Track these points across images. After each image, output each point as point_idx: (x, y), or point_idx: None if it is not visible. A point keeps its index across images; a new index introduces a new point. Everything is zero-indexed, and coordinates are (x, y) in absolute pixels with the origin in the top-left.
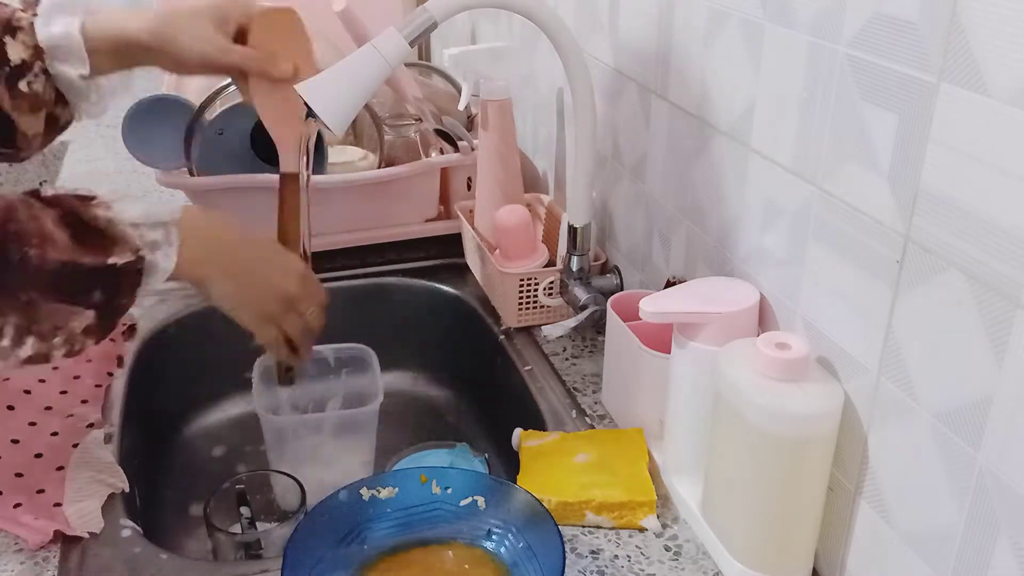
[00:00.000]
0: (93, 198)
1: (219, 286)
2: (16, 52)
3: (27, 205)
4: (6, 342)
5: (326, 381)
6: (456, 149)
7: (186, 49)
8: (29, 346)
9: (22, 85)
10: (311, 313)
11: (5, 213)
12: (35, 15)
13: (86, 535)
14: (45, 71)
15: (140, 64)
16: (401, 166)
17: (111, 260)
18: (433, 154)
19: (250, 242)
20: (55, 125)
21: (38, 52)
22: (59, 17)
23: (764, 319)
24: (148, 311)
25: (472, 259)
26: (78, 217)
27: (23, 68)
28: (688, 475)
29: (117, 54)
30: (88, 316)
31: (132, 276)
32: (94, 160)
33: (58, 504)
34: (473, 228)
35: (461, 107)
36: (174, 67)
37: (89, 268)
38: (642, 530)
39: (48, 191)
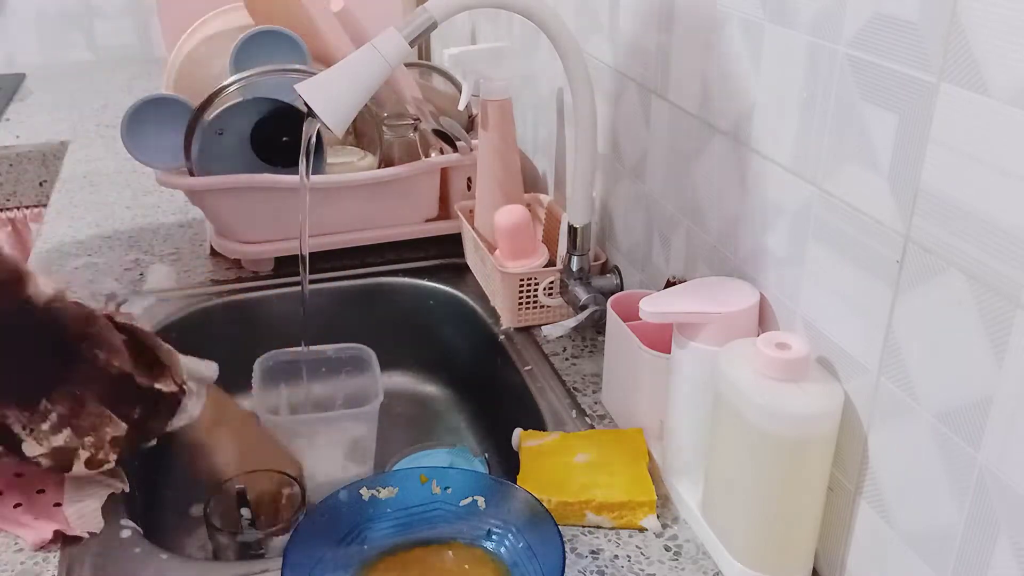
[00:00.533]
0: (152, 333)
1: (220, 455)
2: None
3: (106, 320)
4: (46, 426)
5: (326, 381)
6: (455, 149)
7: None
8: (62, 437)
9: None
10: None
11: (88, 319)
12: None
13: (86, 535)
14: None
15: None
16: (401, 166)
17: (158, 385)
18: (433, 154)
19: (261, 431)
20: None
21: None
22: None
23: (764, 319)
24: (148, 311)
25: (472, 259)
26: (143, 341)
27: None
28: (688, 475)
29: None
30: (122, 428)
31: (170, 404)
32: (94, 160)
33: (58, 504)
34: (473, 228)
35: (461, 107)
36: None
37: (138, 385)
38: (642, 530)
39: (119, 317)
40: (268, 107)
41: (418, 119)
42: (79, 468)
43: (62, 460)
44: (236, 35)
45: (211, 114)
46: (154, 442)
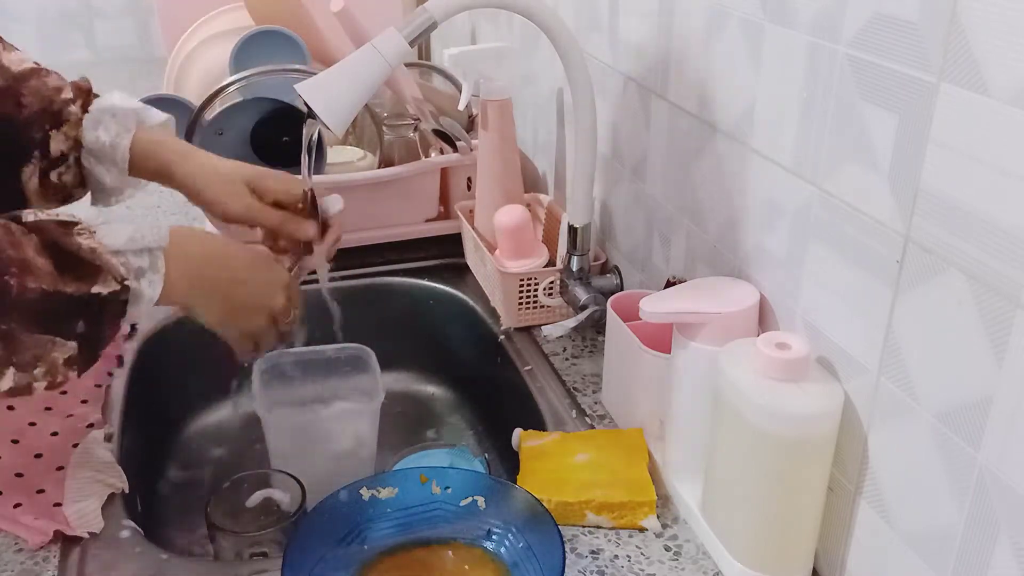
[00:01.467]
0: (76, 223)
1: (205, 309)
2: (57, 145)
3: (7, 231)
4: None
5: (326, 381)
6: (455, 149)
7: (221, 204)
8: (9, 378)
9: (53, 176)
10: (290, 322)
11: None
12: (85, 111)
13: (86, 535)
14: (78, 162)
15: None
16: (401, 166)
17: (95, 289)
18: (433, 154)
19: (237, 260)
20: (67, 201)
21: (77, 146)
22: (110, 124)
23: (764, 319)
24: (148, 311)
25: (472, 259)
26: (60, 245)
27: (59, 160)
28: (688, 475)
29: (155, 176)
30: (70, 347)
31: (116, 306)
32: None
33: (58, 504)
34: (473, 228)
35: (461, 107)
36: (210, 212)
37: (72, 298)
38: (642, 530)
39: (29, 216)
40: (268, 107)
41: (418, 119)
42: (40, 390)
43: (19, 392)
44: (236, 35)
45: (211, 114)
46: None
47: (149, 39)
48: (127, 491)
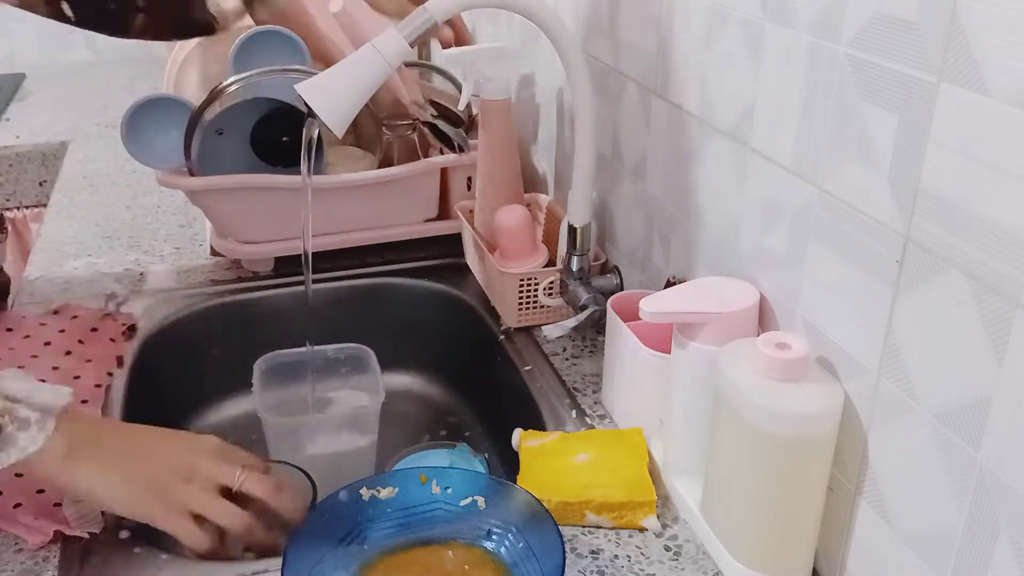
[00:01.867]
0: None
1: (98, 478)
2: None
3: None
4: None
5: (326, 381)
6: (451, 146)
7: None
8: None
9: None
10: (243, 480)
11: None
12: None
13: (86, 535)
14: None
15: None
16: (401, 166)
17: None
18: (433, 154)
19: (138, 431)
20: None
21: None
22: None
23: (764, 319)
24: (148, 311)
25: (472, 259)
26: None
27: None
28: (688, 475)
29: None
30: None
31: None
32: (94, 160)
33: (58, 504)
34: (473, 228)
35: (461, 107)
36: None
37: None
38: (642, 530)
39: None
40: (268, 107)
41: (418, 118)
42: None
43: None
44: (236, 35)
45: (211, 114)
46: None
47: None
48: None
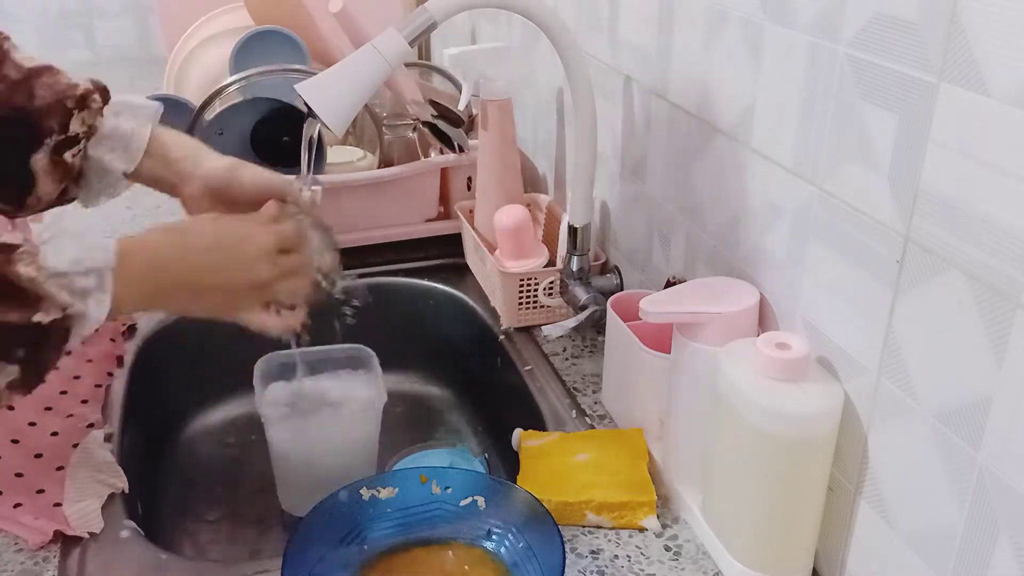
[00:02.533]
0: (16, 247)
1: (178, 309)
2: (76, 126)
3: None
4: None
5: (329, 381)
6: (450, 146)
7: (249, 183)
8: None
9: (67, 155)
10: (303, 269)
11: None
12: (104, 103)
13: (86, 535)
14: (86, 149)
15: (173, 189)
16: (401, 166)
17: (36, 319)
18: (433, 154)
19: (194, 253)
20: (62, 198)
21: (91, 132)
22: (130, 115)
23: (764, 319)
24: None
25: (472, 259)
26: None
27: (74, 141)
28: (688, 475)
29: (152, 172)
30: (12, 371)
31: (59, 333)
32: None
33: (58, 504)
34: (473, 228)
35: (461, 107)
36: (228, 203)
37: (12, 326)
38: (642, 530)
39: None
40: (268, 107)
41: (418, 118)
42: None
43: None
44: (236, 35)
45: (211, 114)
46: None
47: (149, 39)
48: (127, 491)
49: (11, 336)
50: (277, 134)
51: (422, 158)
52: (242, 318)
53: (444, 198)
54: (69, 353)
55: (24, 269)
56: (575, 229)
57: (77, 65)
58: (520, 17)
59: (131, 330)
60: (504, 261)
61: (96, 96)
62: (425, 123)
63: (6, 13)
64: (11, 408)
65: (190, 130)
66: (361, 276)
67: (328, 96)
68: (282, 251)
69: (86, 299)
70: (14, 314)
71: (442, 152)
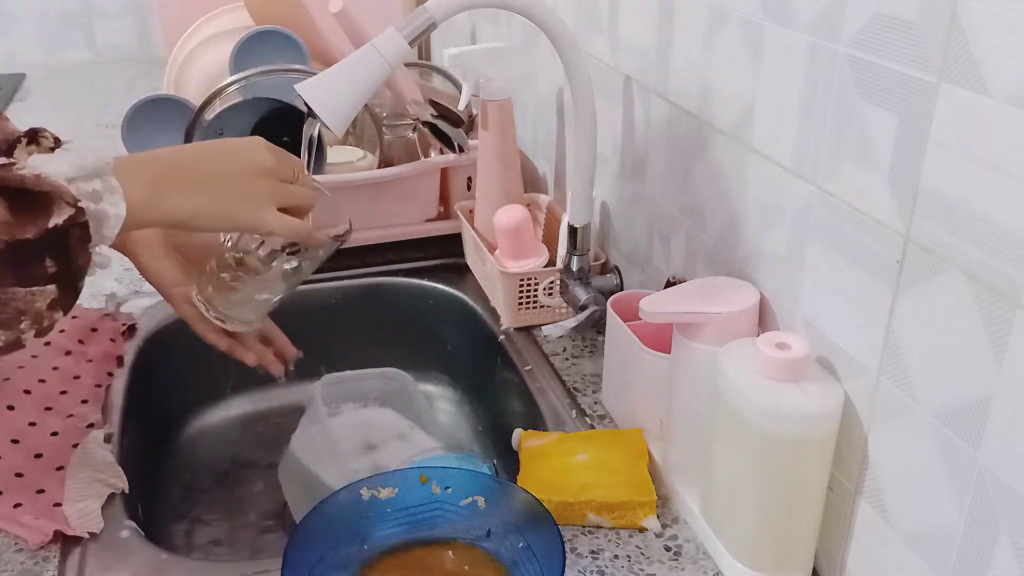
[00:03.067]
0: (13, 163)
1: (190, 204)
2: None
3: None
4: None
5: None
6: (451, 146)
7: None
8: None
9: None
10: (301, 178)
11: None
12: (57, 144)
13: (86, 535)
14: None
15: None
16: (401, 166)
17: (52, 223)
18: (433, 154)
19: (194, 149)
20: None
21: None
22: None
23: (764, 319)
24: (148, 311)
25: (472, 259)
26: (4, 182)
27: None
28: (688, 475)
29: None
30: (49, 292)
31: (78, 231)
32: None
33: (58, 504)
34: (473, 228)
35: (461, 107)
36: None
37: (31, 242)
38: (642, 530)
39: None
40: (268, 107)
41: (418, 118)
42: (30, 341)
43: (12, 348)
44: (236, 35)
45: (210, 114)
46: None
47: (149, 39)
48: (127, 491)
49: (35, 250)
50: (277, 134)
51: (422, 158)
52: (258, 214)
53: (444, 198)
54: (89, 273)
55: (27, 173)
56: (575, 229)
57: (77, 65)
58: (520, 17)
59: (131, 330)
60: (504, 261)
61: (48, 134)
62: (425, 123)
63: (6, 13)
64: (11, 408)
65: (190, 130)
66: (361, 276)
67: (328, 96)
68: (279, 153)
69: (98, 201)
70: (31, 228)
71: (442, 152)
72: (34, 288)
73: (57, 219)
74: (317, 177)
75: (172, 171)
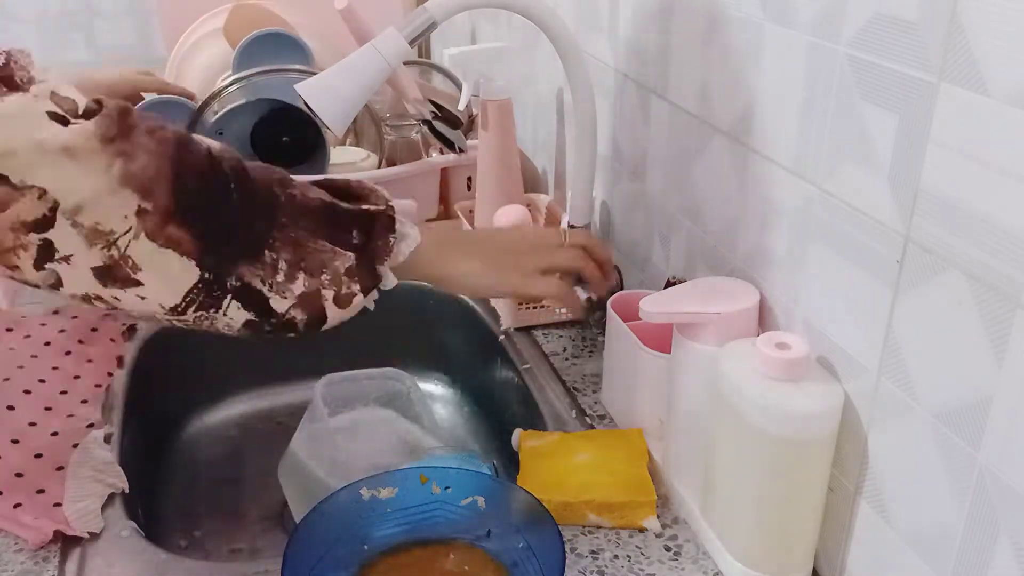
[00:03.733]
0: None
1: (465, 265)
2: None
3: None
4: (280, 276)
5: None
6: (451, 147)
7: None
8: (301, 282)
9: None
10: (576, 246)
11: (267, 170)
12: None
13: (86, 535)
14: None
15: None
16: (400, 166)
17: (365, 206)
18: (434, 154)
19: (479, 230)
20: None
21: None
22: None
23: (764, 319)
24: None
25: None
26: (327, 182)
27: None
28: (688, 475)
29: None
30: (349, 258)
31: (385, 219)
32: None
33: (58, 504)
34: (473, 228)
35: (461, 107)
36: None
37: (346, 211)
38: (642, 530)
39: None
40: (268, 107)
41: (420, 119)
42: (332, 312)
43: (313, 308)
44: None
45: (211, 115)
46: (386, 280)
47: (149, 39)
48: (127, 491)
49: (347, 219)
50: (277, 134)
51: (423, 158)
52: (526, 283)
53: (444, 198)
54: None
55: (353, 180)
56: (575, 229)
57: (77, 65)
58: (520, 17)
59: (131, 330)
60: None
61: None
62: (424, 122)
63: (6, 13)
64: (11, 408)
65: (190, 130)
66: None
67: (328, 96)
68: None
69: (402, 225)
70: (347, 203)
71: (442, 152)
72: (337, 248)
73: (371, 206)
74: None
75: (461, 240)
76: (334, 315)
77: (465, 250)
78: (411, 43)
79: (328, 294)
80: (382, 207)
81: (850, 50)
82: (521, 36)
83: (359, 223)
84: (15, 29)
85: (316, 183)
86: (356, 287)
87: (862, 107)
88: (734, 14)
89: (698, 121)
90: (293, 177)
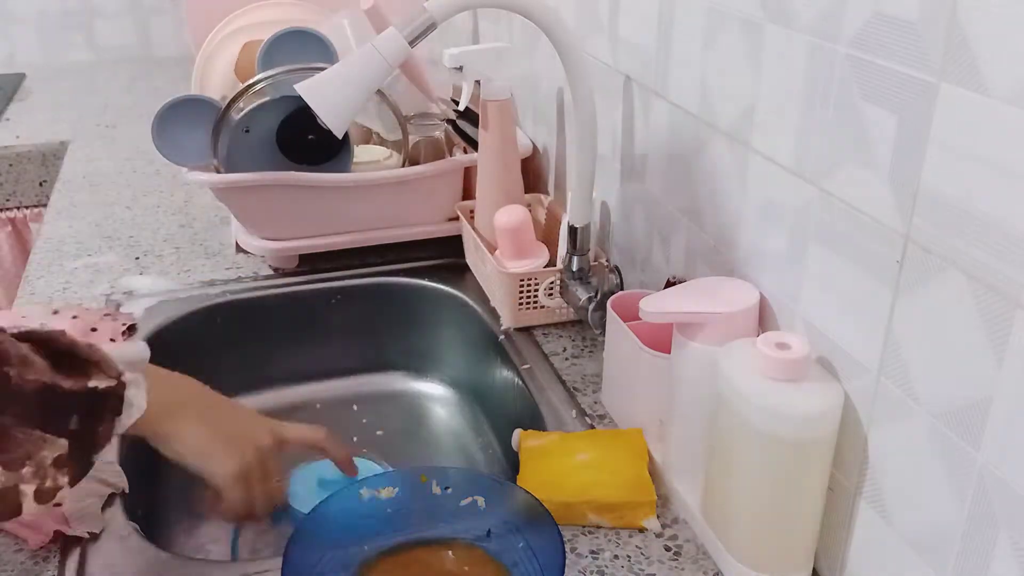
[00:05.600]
0: (63, 331)
1: (190, 431)
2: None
3: (2, 332)
4: None
5: None
6: (474, 146)
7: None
8: None
9: None
10: (277, 482)
11: None
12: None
13: (86, 535)
14: None
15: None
16: (424, 165)
17: (91, 383)
18: (457, 153)
19: (218, 396)
20: None
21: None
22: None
23: (764, 319)
24: (148, 311)
25: (472, 259)
26: (54, 347)
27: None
28: (688, 475)
29: None
30: (61, 446)
31: (113, 401)
32: (94, 160)
33: (58, 504)
34: (473, 228)
35: (461, 107)
36: None
37: (67, 392)
38: (642, 530)
39: (13, 331)
40: (294, 105)
41: (444, 118)
42: (29, 506)
43: (7, 505)
44: (262, 29)
45: (237, 113)
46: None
47: (149, 39)
48: (127, 491)
49: (66, 402)
50: (303, 132)
51: (447, 157)
52: (229, 480)
53: (467, 197)
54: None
55: (80, 340)
56: (575, 229)
57: (77, 65)
58: (520, 17)
59: (131, 330)
60: (504, 261)
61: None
62: (448, 121)
63: (6, 13)
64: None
65: (216, 129)
66: (361, 276)
67: (328, 96)
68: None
69: (130, 388)
70: (70, 380)
71: (465, 151)
72: (47, 436)
73: (98, 382)
74: (340, 176)
75: (195, 402)
76: (30, 510)
77: (198, 415)
78: (411, 43)
79: (28, 489)
80: (112, 383)
81: (850, 50)
82: (521, 36)
83: (81, 406)
84: (15, 29)
85: (36, 337)
86: (64, 479)
87: (862, 107)
88: (734, 14)
89: (698, 121)
90: (13, 345)
